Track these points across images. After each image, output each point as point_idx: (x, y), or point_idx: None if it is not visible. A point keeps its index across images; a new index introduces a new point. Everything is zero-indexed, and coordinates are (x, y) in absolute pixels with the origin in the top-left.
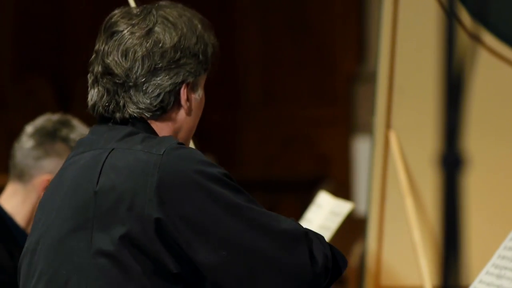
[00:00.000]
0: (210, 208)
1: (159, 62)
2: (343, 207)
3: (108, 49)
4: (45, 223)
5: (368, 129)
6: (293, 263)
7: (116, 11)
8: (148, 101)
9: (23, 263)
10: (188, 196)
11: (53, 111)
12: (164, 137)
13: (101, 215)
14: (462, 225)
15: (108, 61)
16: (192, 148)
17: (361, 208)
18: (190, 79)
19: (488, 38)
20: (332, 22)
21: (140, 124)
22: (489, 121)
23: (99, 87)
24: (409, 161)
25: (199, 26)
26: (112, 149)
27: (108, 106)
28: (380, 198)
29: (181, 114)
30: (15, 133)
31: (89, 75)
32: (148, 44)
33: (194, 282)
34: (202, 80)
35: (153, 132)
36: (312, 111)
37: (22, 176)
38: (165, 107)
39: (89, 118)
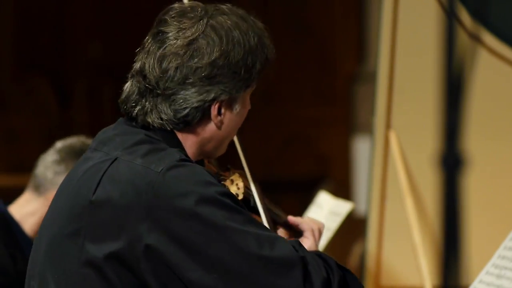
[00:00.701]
0: (203, 232)
1: (190, 76)
2: (343, 207)
3: (150, 47)
4: (48, 221)
5: (368, 129)
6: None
7: (176, 6)
8: (172, 114)
9: (31, 252)
10: (180, 219)
11: (53, 111)
12: (168, 152)
13: (93, 225)
14: (462, 225)
15: (146, 61)
16: (193, 166)
17: (361, 208)
18: (224, 97)
19: (488, 38)
20: (332, 22)
21: (160, 133)
22: (489, 121)
23: (134, 82)
24: (409, 161)
25: (254, 39)
26: (116, 158)
27: (134, 107)
28: (380, 198)
29: (210, 127)
30: (15, 133)
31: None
32: (185, 55)
33: None
34: (243, 95)
35: (174, 142)
36: (312, 111)
37: (38, 188)
38: (190, 122)
39: (89, 118)
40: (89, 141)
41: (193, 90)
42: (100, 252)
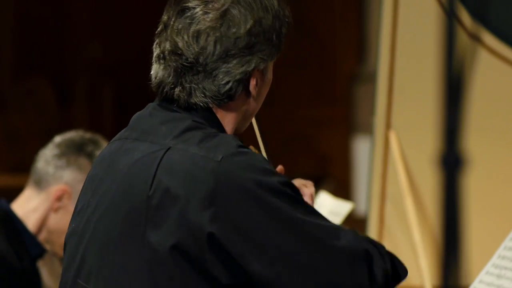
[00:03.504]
0: (267, 222)
1: (231, 48)
2: (343, 207)
3: (178, 25)
4: (96, 209)
5: (368, 129)
6: (350, 283)
7: None
8: (216, 89)
9: (70, 242)
10: (244, 209)
11: (53, 111)
12: (223, 138)
13: (154, 219)
14: (462, 225)
15: (178, 39)
16: (252, 153)
17: (361, 208)
18: (262, 66)
19: (488, 38)
20: (332, 22)
21: (204, 114)
22: (489, 121)
23: (166, 65)
24: (409, 161)
25: (276, 3)
26: (169, 148)
27: (174, 88)
28: (380, 198)
29: (248, 100)
30: (15, 133)
31: (154, 47)
32: (222, 28)
33: None
34: (272, 62)
35: (215, 122)
36: (312, 111)
37: (40, 183)
38: (233, 95)
39: (89, 118)
40: (87, 134)
41: (234, 62)
42: (163, 246)
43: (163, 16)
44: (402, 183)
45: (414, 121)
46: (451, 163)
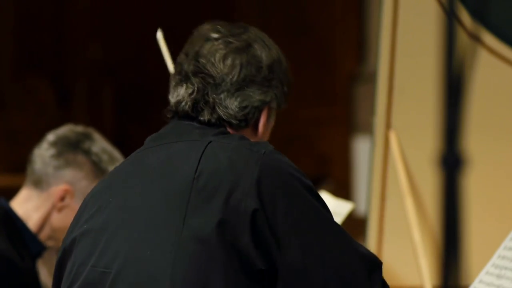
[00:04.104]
0: (307, 213)
1: (255, 74)
2: (343, 207)
3: (203, 51)
4: (120, 206)
5: (368, 129)
6: None
7: (205, 24)
8: (236, 110)
9: (84, 240)
10: (286, 196)
11: (53, 111)
12: (261, 141)
13: (198, 201)
14: (462, 225)
15: (204, 61)
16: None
17: (361, 208)
18: (274, 105)
19: (488, 38)
20: (332, 22)
21: (222, 130)
22: (489, 121)
23: (189, 84)
24: (409, 161)
25: (284, 59)
26: (211, 141)
27: (198, 103)
28: (380, 198)
29: (254, 135)
30: (15, 133)
31: (174, 75)
32: (247, 55)
33: (274, 282)
34: (275, 111)
35: None
36: (312, 111)
37: (39, 184)
38: (248, 121)
39: (89, 118)
40: (78, 128)
41: (255, 88)
42: (205, 226)
43: (184, 49)
44: (402, 183)
45: (414, 121)
46: (451, 163)
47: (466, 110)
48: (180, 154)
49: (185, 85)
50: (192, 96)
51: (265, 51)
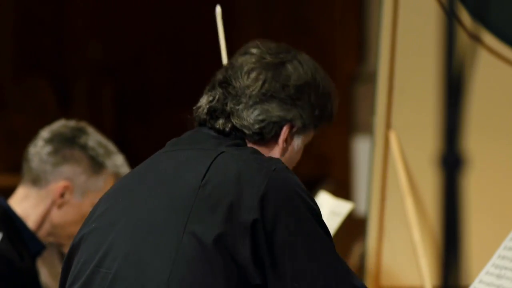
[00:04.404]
0: (307, 238)
1: (279, 91)
2: (343, 207)
3: (236, 64)
4: (129, 207)
5: (368, 129)
6: None
7: (255, 41)
8: (251, 122)
9: (90, 239)
10: (289, 215)
11: (53, 111)
12: (273, 157)
13: (201, 208)
14: (462, 225)
15: (232, 73)
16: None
17: (361, 208)
18: (298, 124)
19: (488, 38)
20: (332, 22)
21: (237, 141)
22: (489, 121)
23: (213, 92)
24: (409, 161)
25: (328, 87)
26: (223, 152)
27: (214, 111)
28: (380, 198)
29: (276, 150)
30: (15, 133)
31: (209, 85)
32: (274, 72)
33: None
34: (307, 134)
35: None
36: None
37: (37, 181)
38: (264, 136)
39: (89, 118)
40: (71, 123)
41: (274, 104)
42: (206, 234)
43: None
44: (402, 183)
45: (414, 121)
46: (451, 163)
47: (466, 110)
48: (191, 161)
49: (209, 93)
50: (211, 104)
51: (299, 72)
